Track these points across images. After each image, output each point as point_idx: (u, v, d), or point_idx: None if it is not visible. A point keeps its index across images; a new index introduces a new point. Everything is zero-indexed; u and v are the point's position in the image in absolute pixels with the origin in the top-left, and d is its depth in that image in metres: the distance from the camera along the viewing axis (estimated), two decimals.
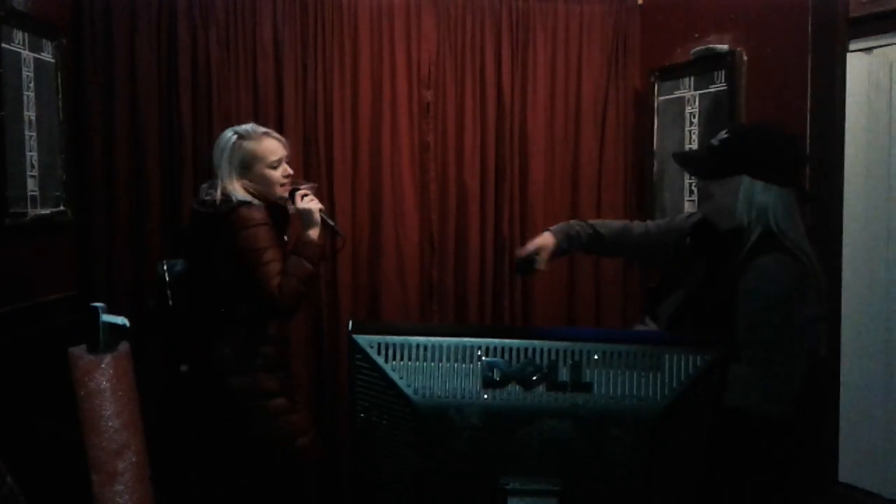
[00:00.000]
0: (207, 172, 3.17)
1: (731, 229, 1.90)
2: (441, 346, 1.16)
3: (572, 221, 2.36)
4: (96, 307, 1.14)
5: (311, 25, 3.26)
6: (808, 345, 1.80)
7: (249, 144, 2.43)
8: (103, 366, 1.13)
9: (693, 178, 2.08)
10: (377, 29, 3.32)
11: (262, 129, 2.50)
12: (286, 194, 2.48)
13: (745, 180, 1.87)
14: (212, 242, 2.41)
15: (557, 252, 2.27)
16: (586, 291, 3.51)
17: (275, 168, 2.43)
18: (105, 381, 1.13)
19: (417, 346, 1.16)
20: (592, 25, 3.48)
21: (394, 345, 1.17)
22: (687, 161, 2.17)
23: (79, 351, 1.15)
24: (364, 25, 3.30)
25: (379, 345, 1.17)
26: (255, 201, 2.41)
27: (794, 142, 1.97)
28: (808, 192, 1.93)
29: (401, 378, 1.16)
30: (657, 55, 3.42)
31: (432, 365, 1.16)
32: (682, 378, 1.14)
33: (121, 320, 1.15)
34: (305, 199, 2.44)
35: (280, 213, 2.48)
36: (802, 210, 1.91)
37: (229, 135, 2.47)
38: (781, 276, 1.79)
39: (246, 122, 3.17)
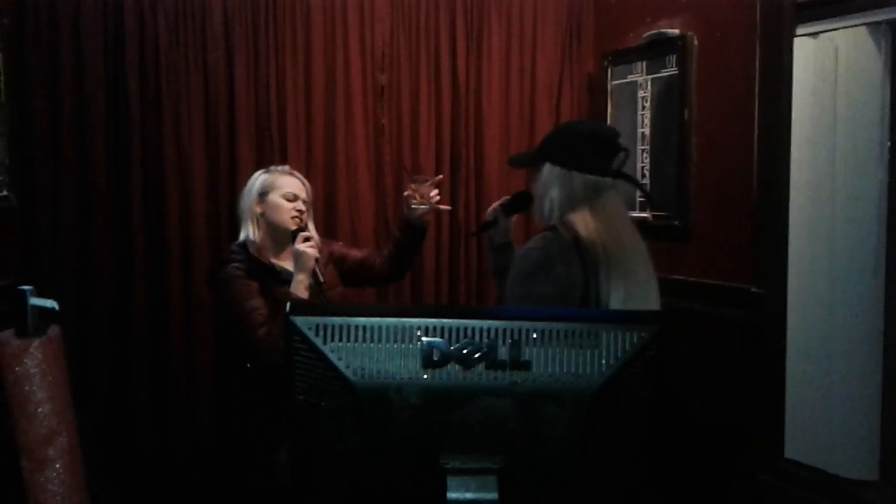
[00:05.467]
0: (156, 158, 3.13)
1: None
2: (380, 327, 1.15)
3: None
4: (24, 290, 1.11)
5: (262, 7, 3.19)
6: None
7: (271, 176, 2.65)
8: (32, 350, 1.09)
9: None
10: (330, 10, 3.27)
11: (289, 170, 2.70)
12: (294, 227, 2.59)
13: (546, 168, 2.01)
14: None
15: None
16: None
17: (288, 200, 2.60)
18: (34, 365, 1.10)
19: (356, 326, 1.15)
20: (547, 9, 3.48)
21: (332, 326, 1.15)
22: (512, 158, 2.47)
23: (6, 335, 1.11)
24: (317, 7, 3.25)
25: (317, 326, 1.15)
26: (237, 250, 2.58)
27: (600, 131, 2.08)
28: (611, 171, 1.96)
29: (339, 359, 1.15)
30: (610, 39, 3.43)
31: (371, 346, 1.15)
32: (619, 355, 1.15)
33: (50, 303, 1.12)
34: (305, 243, 2.51)
35: (266, 270, 2.58)
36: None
37: (259, 171, 2.71)
38: (534, 250, 1.91)
39: (197, 107, 3.14)
